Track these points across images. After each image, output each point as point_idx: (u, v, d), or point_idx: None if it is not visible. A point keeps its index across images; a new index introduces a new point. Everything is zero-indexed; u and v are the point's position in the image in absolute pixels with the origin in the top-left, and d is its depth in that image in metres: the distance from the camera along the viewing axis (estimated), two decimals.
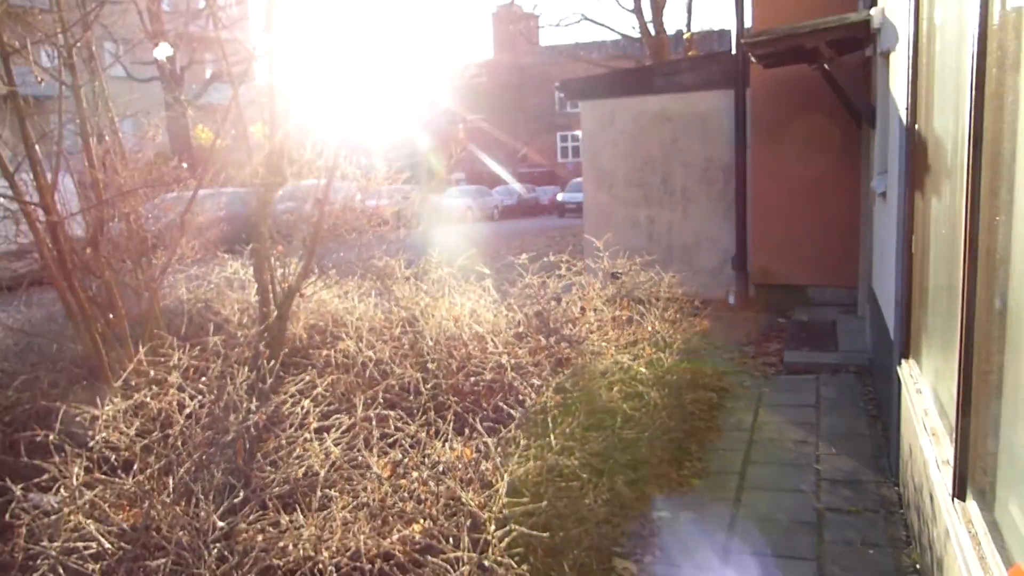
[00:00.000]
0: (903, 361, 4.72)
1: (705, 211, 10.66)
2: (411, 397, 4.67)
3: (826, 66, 6.96)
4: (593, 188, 11.09)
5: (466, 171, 59.18)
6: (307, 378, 4.31)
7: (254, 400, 3.98)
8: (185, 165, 6.20)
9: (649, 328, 6.13)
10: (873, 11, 6.55)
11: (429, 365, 5.14)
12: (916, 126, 4.52)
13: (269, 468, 3.69)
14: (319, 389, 4.34)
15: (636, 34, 21.57)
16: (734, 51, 9.79)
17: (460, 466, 3.57)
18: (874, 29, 6.34)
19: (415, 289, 6.77)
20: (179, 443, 3.57)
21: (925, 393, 4.07)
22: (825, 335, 8.34)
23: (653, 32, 20.69)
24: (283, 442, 3.87)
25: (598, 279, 7.10)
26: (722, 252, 10.61)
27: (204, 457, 3.51)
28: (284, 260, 6.15)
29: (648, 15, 21.28)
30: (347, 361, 5.13)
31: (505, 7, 45.49)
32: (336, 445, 3.84)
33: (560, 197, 35.56)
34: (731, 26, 10.22)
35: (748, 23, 9.66)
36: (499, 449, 3.72)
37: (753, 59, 8.09)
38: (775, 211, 9.69)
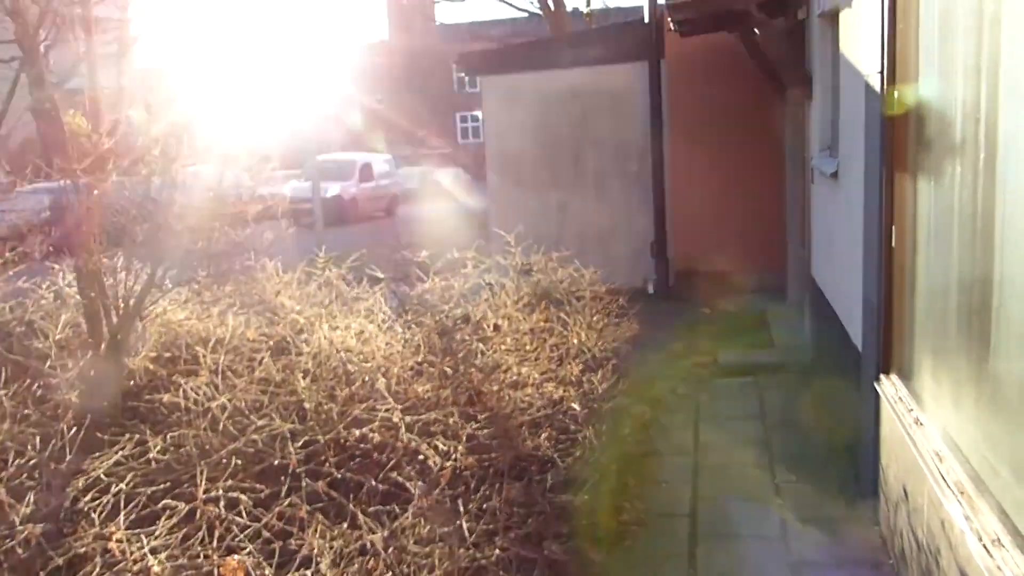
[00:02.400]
0: (883, 377, 3.84)
1: (620, 194, 9.75)
2: (278, 457, 3.52)
3: (756, 30, 6.08)
4: (498, 173, 10.01)
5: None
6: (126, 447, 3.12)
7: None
8: None
9: (575, 340, 5.12)
10: None
11: (306, 405, 3.99)
12: (895, 93, 3.61)
13: None
14: (153, 453, 3.18)
15: (536, 9, 20.52)
16: (647, 19, 8.85)
17: None
18: None
19: (297, 299, 5.59)
20: None
21: (931, 431, 3.18)
22: (757, 328, 7.55)
23: (553, 7, 19.68)
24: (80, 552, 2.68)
25: (510, 278, 6.09)
26: (640, 238, 9.73)
27: None
28: (136, 269, 4.85)
29: None
30: (197, 408, 3.92)
31: None
32: (158, 553, 2.68)
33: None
34: (637, 2, 9.28)
35: None
36: (391, 550, 2.64)
37: (672, 25, 7.16)
38: (695, 193, 8.85)
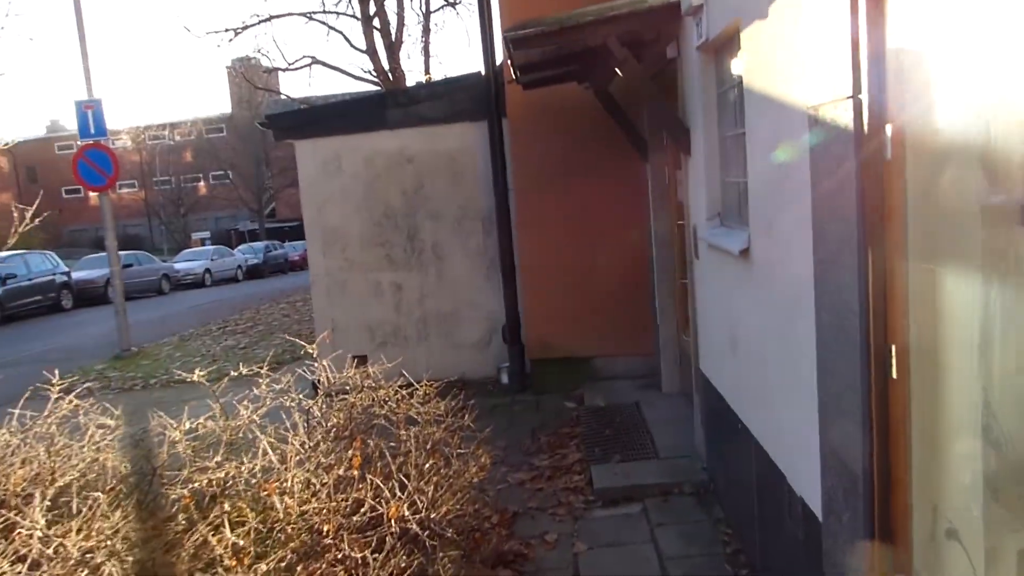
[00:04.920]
0: None
1: (464, 271, 8.10)
2: None
3: (619, 71, 4.63)
4: (319, 251, 8.14)
5: (211, 230, 53.34)
6: None
7: None
8: None
9: (402, 509, 3.33)
10: None
11: None
12: (887, 128, 2.14)
13: None
14: None
15: (372, 78, 18.94)
16: (484, 71, 7.37)
17: None
18: (692, 7, 4.07)
19: None
20: None
21: None
22: (633, 428, 6.00)
23: (391, 75, 18.18)
24: None
25: (317, 403, 4.28)
26: (489, 320, 8.10)
27: None
28: None
29: (384, 56, 18.77)
30: None
31: (239, 60, 41.31)
32: None
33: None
34: (478, 67, 7.79)
35: (498, 35, 7.30)
36: None
37: (513, 72, 5.66)
38: (549, 268, 7.34)
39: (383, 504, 3.24)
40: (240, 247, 34.39)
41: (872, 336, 2.22)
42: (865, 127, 2.17)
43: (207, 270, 27.51)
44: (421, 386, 4.50)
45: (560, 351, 7.53)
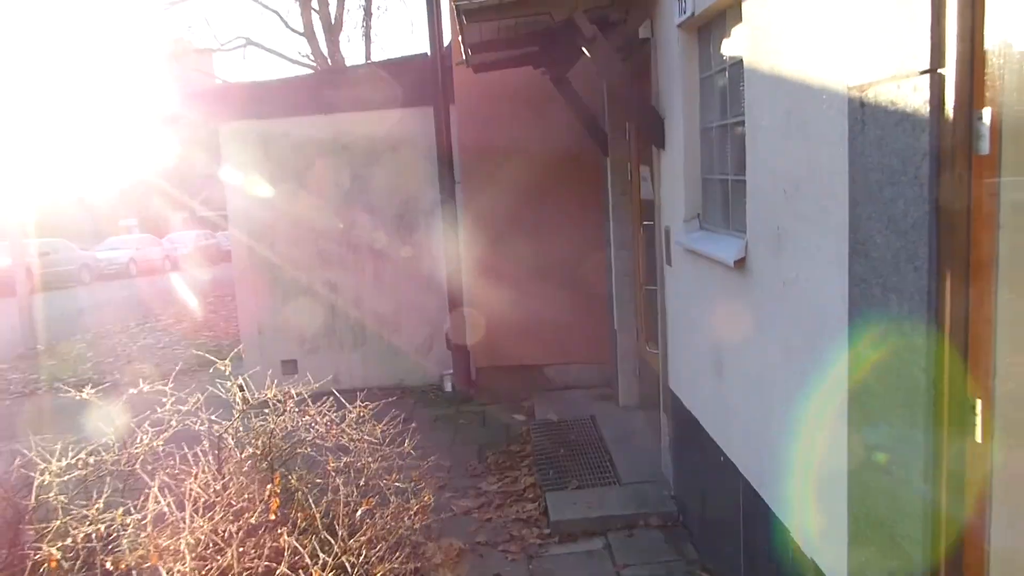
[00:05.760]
0: None
1: (405, 271, 7.45)
2: None
3: (587, 52, 4.05)
4: (245, 246, 7.37)
5: (140, 217, 50.85)
6: None
7: None
8: None
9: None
10: None
11: None
12: (982, 114, 1.61)
13: None
14: None
15: (310, 62, 17.97)
16: (430, 51, 6.71)
17: None
18: None
19: None
20: None
21: None
22: (590, 447, 5.46)
23: (330, 60, 17.26)
24: None
25: (230, 427, 3.64)
26: (431, 324, 7.46)
27: None
28: None
29: (323, 40, 17.85)
30: None
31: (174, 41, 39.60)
32: None
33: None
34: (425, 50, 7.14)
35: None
36: None
37: (464, 50, 5.02)
38: (498, 269, 6.74)
39: (304, 574, 2.60)
40: (168, 235, 32.74)
41: (948, 386, 1.69)
42: (949, 112, 1.63)
43: (132, 259, 26.03)
44: (354, 407, 3.87)
45: (508, 358, 6.95)
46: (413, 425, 6.41)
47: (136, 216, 50.26)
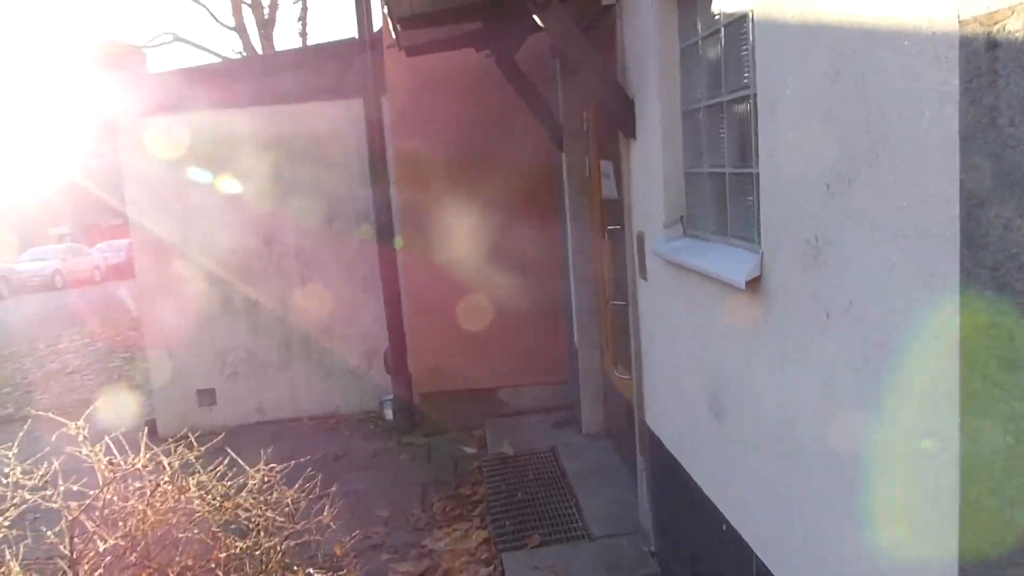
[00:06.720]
0: None
1: (337, 282, 6.58)
2: None
3: (539, 20, 3.28)
4: (151, 257, 6.41)
5: (74, 225, 48.43)
6: None
7: None
8: None
9: None
10: None
11: None
12: None
13: None
14: None
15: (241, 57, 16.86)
16: (359, 35, 5.86)
17: None
18: None
19: None
20: None
21: None
22: (553, 488, 4.69)
23: (262, 51, 16.20)
24: None
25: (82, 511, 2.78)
26: (368, 342, 6.61)
27: None
28: None
29: (256, 36, 16.81)
30: None
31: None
32: None
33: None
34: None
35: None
36: None
37: (392, 27, 4.21)
38: (441, 280, 5.93)
39: None
40: (99, 245, 31.00)
41: None
42: None
43: (57, 271, 24.39)
44: (256, 471, 3.03)
45: (455, 382, 6.15)
46: (345, 463, 5.54)
47: (70, 223, 47.90)
